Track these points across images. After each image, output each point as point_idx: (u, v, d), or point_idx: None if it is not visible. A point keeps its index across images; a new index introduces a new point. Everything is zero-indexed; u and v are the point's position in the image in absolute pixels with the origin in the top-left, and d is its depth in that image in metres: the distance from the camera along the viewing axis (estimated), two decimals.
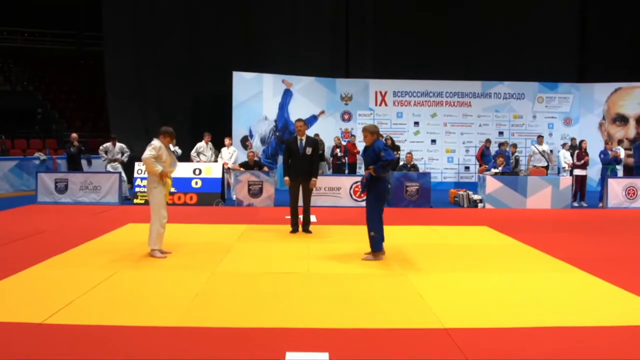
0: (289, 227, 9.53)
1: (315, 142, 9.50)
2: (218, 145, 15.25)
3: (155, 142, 7.43)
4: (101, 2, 18.87)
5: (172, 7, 18.95)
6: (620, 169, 15.51)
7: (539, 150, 15.95)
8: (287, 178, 9.37)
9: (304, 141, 9.32)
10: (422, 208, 13.47)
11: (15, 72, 24.95)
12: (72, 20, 27.57)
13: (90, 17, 24.94)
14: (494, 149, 17.44)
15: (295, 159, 9.35)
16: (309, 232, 9.46)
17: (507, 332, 4.64)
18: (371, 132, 7.54)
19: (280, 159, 17.89)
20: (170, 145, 7.78)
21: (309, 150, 9.27)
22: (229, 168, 14.41)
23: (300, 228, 9.53)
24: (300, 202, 9.48)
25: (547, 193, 13.63)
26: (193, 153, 14.85)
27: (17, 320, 4.76)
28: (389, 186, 7.60)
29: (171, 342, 4.34)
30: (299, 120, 9.52)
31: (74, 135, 15.12)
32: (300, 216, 9.53)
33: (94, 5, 20.46)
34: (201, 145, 14.85)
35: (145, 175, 13.51)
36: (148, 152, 7.32)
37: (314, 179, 9.33)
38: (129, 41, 18.73)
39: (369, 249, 7.53)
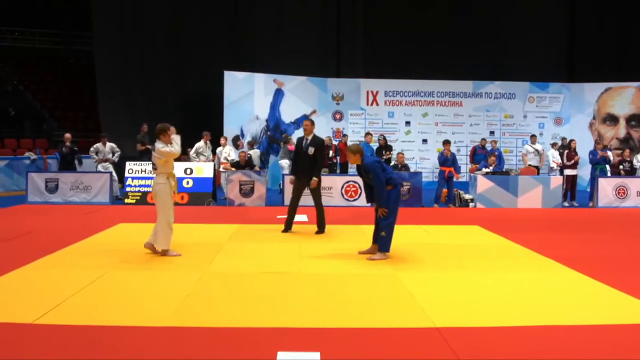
0: (280, 227, 9.48)
1: (320, 142, 9.42)
2: (213, 145, 15.32)
3: (162, 144, 7.44)
4: (91, 2, 18.80)
5: (162, 7, 18.90)
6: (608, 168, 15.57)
7: (533, 149, 15.98)
8: (292, 177, 9.37)
9: (309, 140, 9.28)
10: (414, 207, 13.48)
11: (5, 72, 24.78)
12: (62, 19, 27.42)
13: (80, 16, 24.79)
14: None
15: (299, 158, 9.38)
16: (321, 232, 9.37)
17: (499, 331, 4.66)
18: (353, 152, 7.47)
19: (271, 158, 17.89)
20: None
21: (311, 150, 9.18)
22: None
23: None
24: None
25: (537, 192, 13.67)
26: (192, 153, 14.82)
27: (7, 320, 4.73)
28: (400, 188, 7.57)
29: (162, 342, 4.33)
30: (305, 119, 9.55)
31: (67, 135, 15.00)
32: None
33: (84, 5, 20.36)
34: (201, 145, 14.82)
35: (137, 175, 13.62)
36: (172, 149, 7.39)
37: (314, 178, 9.24)
38: (119, 41, 18.68)
39: (361, 248, 7.57)
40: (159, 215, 7.40)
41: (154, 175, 7.61)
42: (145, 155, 14.52)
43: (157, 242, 7.41)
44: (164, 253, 7.42)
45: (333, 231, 9.68)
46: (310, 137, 9.32)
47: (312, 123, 9.52)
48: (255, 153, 15.42)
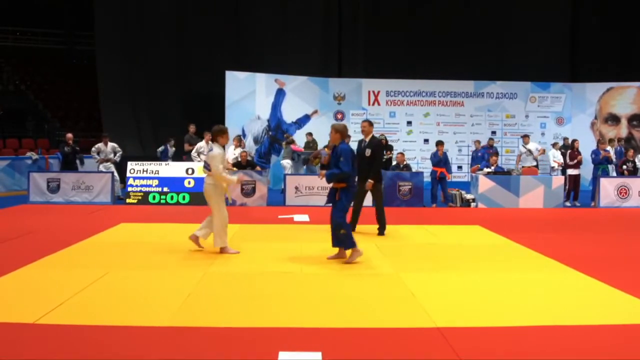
0: (281, 227, 9.50)
1: (377, 143, 9.22)
2: None
3: (217, 151, 7.46)
4: (93, 2, 18.81)
5: (164, 7, 18.91)
6: (612, 168, 15.53)
7: (526, 149, 15.86)
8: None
9: (366, 142, 9.13)
10: (415, 207, 13.47)
11: (7, 72, 24.81)
12: (64, 19, 27.47)
13: (82, 16, 24.86)
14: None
15: (359, 161, 9.25)
16: (382, 234, 9.25)
17: (500, 331, 4.65)
18: (336, 130, 7.32)
19: (272, 158, 17.88)
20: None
21: (367, 152, 9.01)
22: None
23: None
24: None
25: (539, 192, 13.65)
26: (194, 153, 14.77)
27: (9, 320, 4.74)
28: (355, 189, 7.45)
29: (164, 342, 4.33)
30: (363, 120, 9.41)
31: (69, 135, 14.98)
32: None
33: (86, 5, 20.39)
34: (202, 145, 14.76)
35: (138, 175, 13.62)
36: (215, 167, 7.37)
37: (370, 180, 8.99)
38: (120, 41, 18.69)
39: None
40: (214, 215, 7.59)
41: (205, 176, 7.72)
42: (187, 155, 14.91)
43: (215, 241, 7.57)
44: (223, 250, 7.60)
45: None
46: (368, 139, 9.13)
47: (370, 124, 9.26)
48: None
